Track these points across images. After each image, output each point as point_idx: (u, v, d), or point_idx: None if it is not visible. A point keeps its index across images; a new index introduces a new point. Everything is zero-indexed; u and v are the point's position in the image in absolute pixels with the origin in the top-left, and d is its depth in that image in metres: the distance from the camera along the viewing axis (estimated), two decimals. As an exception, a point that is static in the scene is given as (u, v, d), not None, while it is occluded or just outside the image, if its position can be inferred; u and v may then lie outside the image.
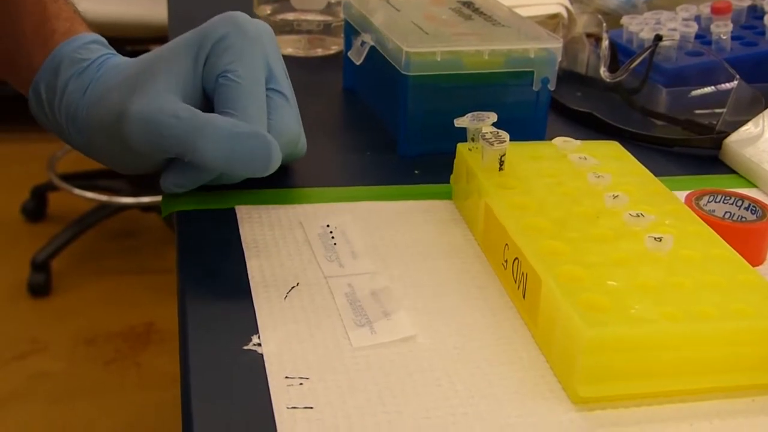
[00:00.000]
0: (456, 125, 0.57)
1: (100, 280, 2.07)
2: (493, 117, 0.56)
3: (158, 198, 0.59)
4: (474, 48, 0.65)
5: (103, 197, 2.15)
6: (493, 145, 0.54)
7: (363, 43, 0.70)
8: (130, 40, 1.96)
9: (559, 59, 0.66)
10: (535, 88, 0.67)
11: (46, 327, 1.91)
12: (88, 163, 2.52)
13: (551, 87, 0.67)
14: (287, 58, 0.63)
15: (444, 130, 0.60)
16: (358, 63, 0.71)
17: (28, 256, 2.02)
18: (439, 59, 0.64)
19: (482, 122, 0.56)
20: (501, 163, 0.54)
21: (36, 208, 2.29)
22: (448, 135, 0.59)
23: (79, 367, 1.80)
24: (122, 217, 2.24)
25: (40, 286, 2.01)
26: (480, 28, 0.68)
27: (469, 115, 0.57)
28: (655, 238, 0.48)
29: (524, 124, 0.68)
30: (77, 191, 2.16)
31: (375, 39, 0.69)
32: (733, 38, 0.80)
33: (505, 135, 0.55)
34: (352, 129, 0.75)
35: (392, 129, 0.69)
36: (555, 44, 0.66)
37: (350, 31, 0.76)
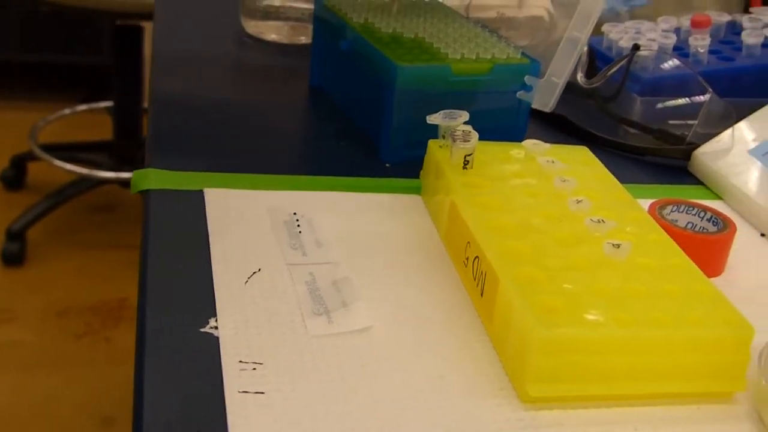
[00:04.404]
0: (428, 122, 0.57)
1: (75, 253, 2.07)
2: (465, 116, 0.57)
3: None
4: (461, 56, 0.65)
5: (84, 170, 2.14)
6: (460, 143, 0.54)
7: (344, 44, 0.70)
8: (120, 14, 1.95)
9: (541, 67, 0.67)
10: (519, 96, 0.67)
11: (18, 297, 1.91)
12: (70, 135, 2.49)
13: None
14: (270, 44, 0.63)
15: (427, 136, 0.60)
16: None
17: (3, 225, 2.01)
18: (427, 70, 0.64)
19: (454, 120, 0.57)
20: (466, 162, 0.55)
21: (15, 177, 2.27)
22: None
23: (48, 339, 1.79)
24: (101, 191, 2.23)
25: (14, 256, 2.00)
26: (468, 32, 0.69)
27: (442, 112, 0.57)
28: (613, 245, 0.48)
29: (506, 130, 0.68)
30: (58, 162, 2.15)
31: (355, 41, 0.69)
32: (710, 52, 0.81)
33: (474, 135, 0.55)
34: (328, 118, 0.75)
35: (372, 134, 0.69)
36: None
37: (323, 24, 0.76)
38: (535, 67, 0.67)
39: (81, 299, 1.92)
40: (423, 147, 0.61)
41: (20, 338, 1.78)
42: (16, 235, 2.01)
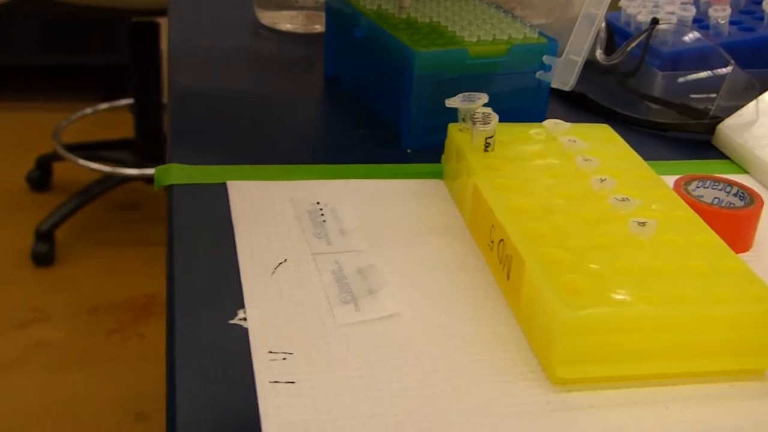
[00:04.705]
0: (447, 105, 0.57)
1: (103, 251, 2.08)
2: (484, 98, 0.57)
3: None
4: (478, 37, 0.65)
5: (108, 168, 2.15)
6: (480, 125, 0.54)
7: (359, 31, 0.69)
8: (135, 11, 1.96)
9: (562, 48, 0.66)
10: (538, 76, 0.66)
11: (49, 296, 1.93)
12: (93, 134, 2.51)
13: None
14: (286, 34, 0.63)
15: (447, 120, 0.59)
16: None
17: (32, 226, 2.03)
18: (444, 55, 0.63)
19: (473, 103, 0.56)
20: (487, 144, 0.55)
21: (41, 178, 2.29)
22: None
23: (80, 337, 1.81)
24: (126, 189, 2.24)
25: (43, 256, 2.02)
26: (483, 13, 0.68)
27: (460, 95, 0.57)
28: (638, 223, 0.48)
29: (525, 111, 0.67)
30: (82, 162, 2.16)
31: (370, 29, 0.68)
32: (731, 23, 0.80)
33: (494, 117, 0.55)
34: (346, 106, 0.75)
35: (391, 121, 0.69)
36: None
37: (336, 13, 0.75)
38: (552, 46, 0.66)
39: (111, 297, 1.93)
40: (444, 132, 0.60)
41: (52, 337, 1.80)
42: (45, 236, 2.03)
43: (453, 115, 0.57)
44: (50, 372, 1.70)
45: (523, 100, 0.68)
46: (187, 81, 0.76)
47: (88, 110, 2.44)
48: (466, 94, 0.57)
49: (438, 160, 0.61)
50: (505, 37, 0.66)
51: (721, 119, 0.70)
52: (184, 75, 0.77)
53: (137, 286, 1.97)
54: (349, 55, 0.74)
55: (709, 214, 0.53)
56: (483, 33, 0.65)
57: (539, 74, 0.66)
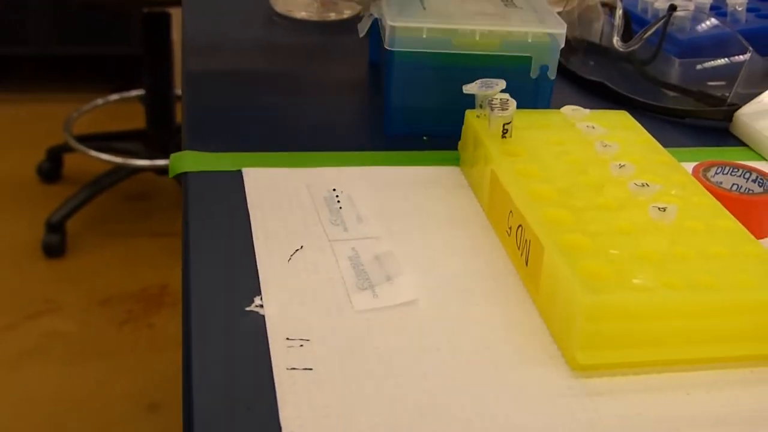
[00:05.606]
0: (464, 92, 0.57)
1: (114, 242, 2.08)
2: (502, 84, 0.56)
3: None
4: (466, 27, 0.61)
5: (119, 159, 2.15)
6: (498, 111, 0.54)
7: (370, 14, 0.69)
8: (147, 1, 1.96)
9: (562, 46, 0.63)
10: (533, 75, 0.63)
11: (60, 287, 1.93)
12: (104, 125, 2.51)
13: (551, 76, 0.63)
14: (300, 22, 0.62)
15: (433, 112, 0.58)
16: (361, 35, 0.69)
17: (43, 217, 2.03)
18: (425, 36, 0.61)
19: (491, 89, 0.56)
20: (504, 131, 0.54)
21: (52, 169, 2.30)
22: (437, 117, 0.57)
23: (92, 328, 1.82)
24: (137, 180, 2.24)
25: (54, 247, 2.02)
26: (488, 7, 0.67)
27: (478, 81, 0.57)
28: (659, 208, 0.48)
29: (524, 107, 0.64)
30: (93, 153, 2.16)
31: (378, 11, 0.68)
32: (748, 10, 0.79)
33: (512, 102, 0.55)
34: (361, 94, 0.75)
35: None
36: (558, 30, 0.62)
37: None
38: (553, 44, 0.62)
39: (122, 287, 1.94)
40: (428, 124, 0.60)
41: (64, 328, 1.81)
42: (56, 227, 2.03)
43: (439, 107, 0.56)
44: (61, 363, 1.71)
45: (521, 98, 0.60)
46: (201, 69, 0.76)
47: (99, 101, 2.44)
48: (485, 80, 0.56)
49: (454, 147, 0.61)
50: (502, 30, 0.62)
51: (739, 106, 0.69)
52: (198, 63, 0.77)
53: (148, 277, 1.97)
54: (378, 43, 0.73)
55: (729, 200, 0.52)
56: (480, 24, 0.62)
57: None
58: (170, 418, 1.59)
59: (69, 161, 2.32)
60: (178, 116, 2.13)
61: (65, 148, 2.26)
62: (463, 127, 0.59)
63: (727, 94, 0.70)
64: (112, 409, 1.60)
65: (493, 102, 0.55)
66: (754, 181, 0.57)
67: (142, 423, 1.58)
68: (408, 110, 0.64)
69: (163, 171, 2.22)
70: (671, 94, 0.75)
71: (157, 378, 1.68)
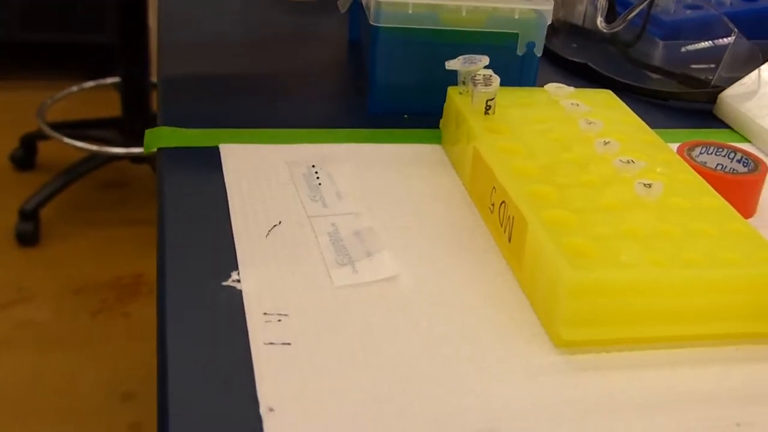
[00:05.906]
0: (447, 68, 0.56)
1: (89, 231, 2.06)
2: (485, 60, 0.55)
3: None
4: (452, 2, 0.61)
5: (93, 147, 2.13)
6: (481, 87, 0.53)
7: None
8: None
9: (549, 22, 0.62)
10: (519, 52, 0.62)
11: (34, 276, 1.90)
12: (78, 112, 2.48)
13: (537, 53, 0.63)
14: (279, 1, 0.61)
15: (418, 90, 0.57)
16: (342, 11, 0.68)
17: (16, 205, 2.00)
18: (411, 11, 0.60)
19: (474, 65, 0.55)
20: (488, 107, 0.53)
21: (25, 157, 2.26)
22: (421, 95, 0.56)
23: (66, 317, 1.79)
24: (112, 168, 2.22)
25: (28, 235, 1.99)
26: None
27: (461, 57, 0.56)
28: (644, 185, 0.47)
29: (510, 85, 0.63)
30: (67, 140, 2.13)
31: None
32: (733, -7, 0.79)
33: (496, 79, 0.54)
34: (341, 71, 0.73)
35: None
36: (545, 6, 0.61)
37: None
38: (540, 21, 0.61)
39: (97, 276, 1.91)
40: (412, 101, 0.59)
41: (38, 317, 1.78)
42: (30, 215, 2.00)
43: (424, 84, 0.55)
44: (35, 352, 1.68)
45: (506, 75, 0.60)
46: (177, 44, 0.74)
47: (74, 88, 2.41)
48: (467, 56, 0.55)
49: (436, 124, 0.60)
50: (489, 6, 0.61)
51: (723, 88, 0.68)
52: (175, 39, 0.75)
53: (123, 266, 1.95)
54: (359, 20, 0.72)
55: (714, 180, 0.52)
56: (467, 0, 0.61)
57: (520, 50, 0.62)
58: (145, 407, 1.57)
59: (43, 149, 2.29)
60: (154, 104, 2.11)
61: (39, 136, 2.23)
62: (446, 104, 0.58)
63: (711, 77, 0.70)
64: (85, 398, 1.59)
65: (476, 78, 0.54)
66: (738, 161, 0.56)
67: (116, 412, 1.56)
68: (392, 88, 0.63)
69: (138, 159, 2.19)
70: (655, 76, 0.74)
71: (132, 367, 1.66)
